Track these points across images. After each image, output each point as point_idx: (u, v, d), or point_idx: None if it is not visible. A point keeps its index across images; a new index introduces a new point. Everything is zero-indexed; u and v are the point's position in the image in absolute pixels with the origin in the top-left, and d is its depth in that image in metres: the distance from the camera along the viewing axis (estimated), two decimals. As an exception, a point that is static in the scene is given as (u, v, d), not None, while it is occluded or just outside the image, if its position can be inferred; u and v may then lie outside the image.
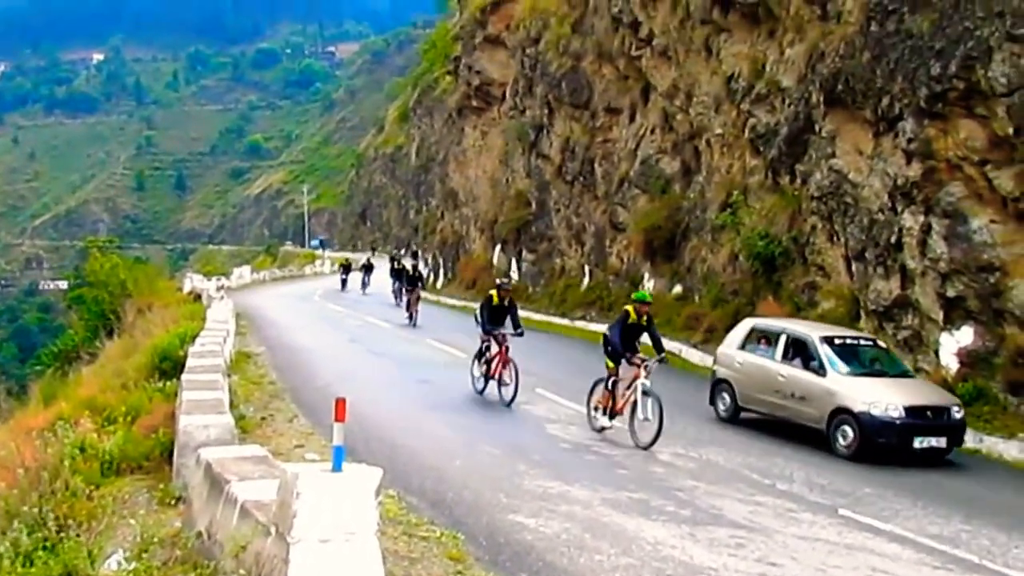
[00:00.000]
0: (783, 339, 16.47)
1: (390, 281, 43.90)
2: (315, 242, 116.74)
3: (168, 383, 15.53)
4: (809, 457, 14.56)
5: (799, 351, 16.10)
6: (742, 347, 17.51)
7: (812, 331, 16.55)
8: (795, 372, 15.88)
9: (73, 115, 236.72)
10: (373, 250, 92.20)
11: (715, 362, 18.32)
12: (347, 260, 62.11)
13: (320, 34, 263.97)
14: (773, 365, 16.36)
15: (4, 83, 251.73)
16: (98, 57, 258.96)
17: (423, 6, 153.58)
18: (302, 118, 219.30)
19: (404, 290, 37.31)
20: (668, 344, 25.91)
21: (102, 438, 12.35)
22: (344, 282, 55.47)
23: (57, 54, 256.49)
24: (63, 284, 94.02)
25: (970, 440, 15.70)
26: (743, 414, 17.07)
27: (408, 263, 43.01)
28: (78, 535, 8.35)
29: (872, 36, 18.84)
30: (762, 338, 17.20)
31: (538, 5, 40.93)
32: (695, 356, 24.49)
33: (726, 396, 17.42)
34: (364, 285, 53.00)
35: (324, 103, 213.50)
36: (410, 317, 33.58)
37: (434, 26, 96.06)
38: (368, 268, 54.88)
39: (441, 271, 54.19)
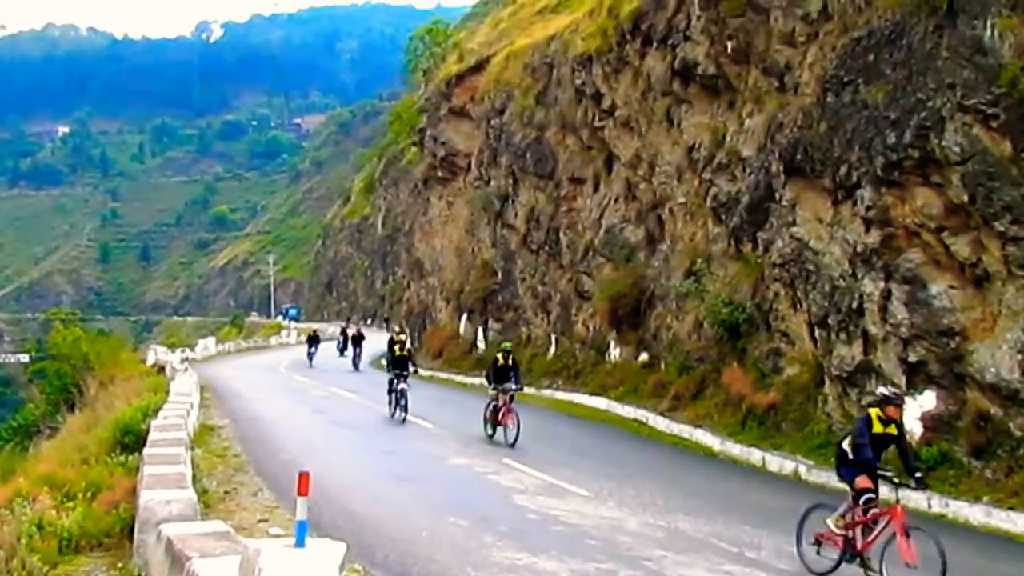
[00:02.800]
0: None
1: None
2: (292, 311, 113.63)
3: (130, 457, 15.29)
4: (777, 524, 14.51)
5: None
6: None
7: None
8: None
9: (38, 187, 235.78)
10: (366, 320, 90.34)
11: None
12: (314, 331, 54.14)
13: (286, 106, 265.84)
14: None
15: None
16: (63, 129, 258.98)
17: (388, 79, 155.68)
18: (268, 189, 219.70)
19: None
20: (634, 412, 26.22)
21: (61, 515, 12.08)
22: (311, 356, 48.71)
23: (22, 126, 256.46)
24: (24, 357, 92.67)
25: (936, 505, 15.76)
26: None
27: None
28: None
29: (828, 107, 19.27)
30: None
31: (502, 77, 41.56)
32: (661, 424, 24.50)
33: None
34: (356, 358, 45.76)
35: (290, 174, 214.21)
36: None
37: (399, 98, 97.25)
38: (358, 339, 46.79)
39: (407, 340, 53.98)
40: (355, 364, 44.82)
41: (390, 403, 25.24)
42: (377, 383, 39.14)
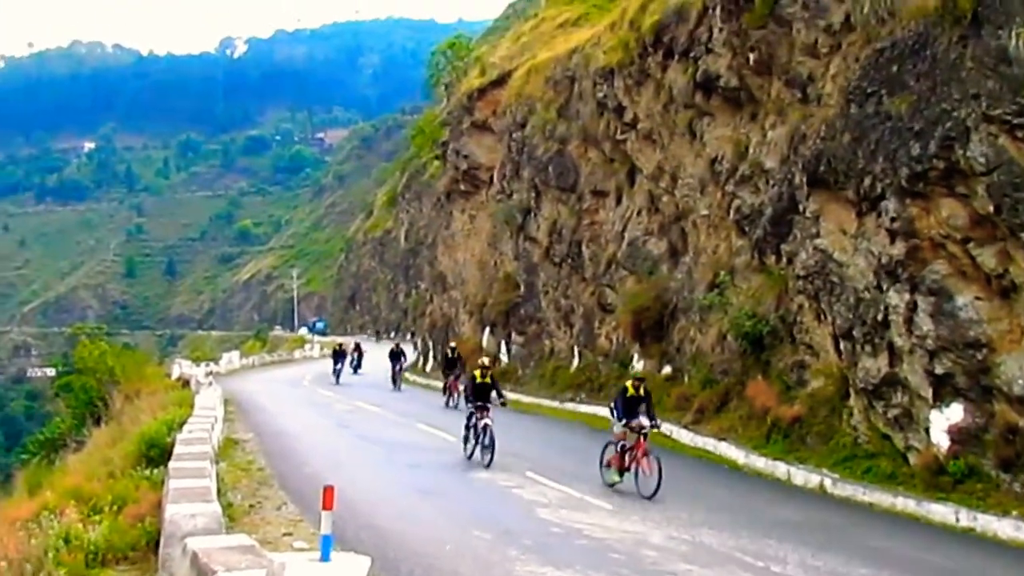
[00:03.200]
0: None
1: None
2: (319, 324, 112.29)
3: (155, 471, 15.37)
4: (803, 538, 14.42)
5: None
6: None
7: None
8: None
9: (64, 203, 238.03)
10: (389, 333, 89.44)
11: None
12: (339, 345, 50.98)
13: (309, 121, 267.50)
14: None
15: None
16: (89, 145, 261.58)
17: (410, 93, 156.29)
18: (292, 203, 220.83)
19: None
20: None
21: (87, 528, 12.16)
22: (338, 373, 46.60)
23: (48, 143, 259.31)
24: (51, 371, 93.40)
25: (964, 519, 15.61)
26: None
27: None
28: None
29: (852, 118, 19.19)
30: None
31: (524, 91, 41.63)
32: (685, 437, 24.38)
33: None
34: (396, 379, 43.11)
35: (313, 188, 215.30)
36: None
37: (421, 112, 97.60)
38: (398, 355, 44.12)
39: (430, 354, 54.08)
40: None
41: (466, 439, 21.13)
42: (403, 397, 39.29)
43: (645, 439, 17.73)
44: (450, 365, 35.70)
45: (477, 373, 21.63)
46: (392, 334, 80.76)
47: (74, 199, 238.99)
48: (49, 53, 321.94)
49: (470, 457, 20.68)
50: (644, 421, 17.88)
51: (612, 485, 17.82)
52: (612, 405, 18.74)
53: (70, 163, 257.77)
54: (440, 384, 39.26)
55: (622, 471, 17.91)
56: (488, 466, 19.55)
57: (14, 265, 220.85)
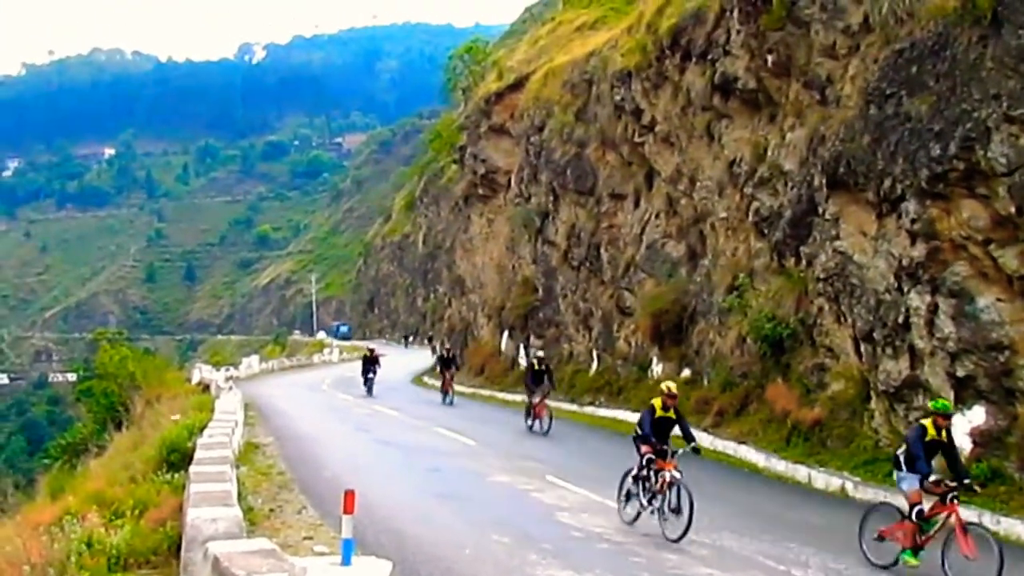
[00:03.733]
0: None
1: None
2: (343, 328, 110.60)
3: (176, 475, 15.45)
4: (824, 541, 14.34)
5: None
6: None
7: None
8: None
9: (84, 209, 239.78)
10: (407, 338, 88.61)
11: None
12: (371, 351, 43.11)
13: (327, 126, 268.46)
14: None
15: (17, 178, 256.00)
16: (109, 152, 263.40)
17: (428, 98, 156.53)
18: (310, 208, 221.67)
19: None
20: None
21: (109, 533, 12.23)
22: (370, 383, 40.69)
23: (69, 149, 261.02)
24: (72, 376, 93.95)
25: (988, 522, 15.47)
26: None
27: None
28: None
29: (871, 119, 19.10)
30: None
31: (541, 94, 41.63)
32: (705, 440, 24.27)
33: None
34: (446, 390, 37.49)
35: (332, 193, 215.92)
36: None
37: (439, 117, 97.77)
38: (450, 361, 39.39)
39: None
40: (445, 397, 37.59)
41: (628, 496, 15.38)
42: (419, 400, 39.33)
43: (955, 501, 12.38)
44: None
45: (658, 404, 15.22)
46: (427, 340, 79.17)
47: (95, 205, 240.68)
48: (69, 60, 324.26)
49: (633, 522, 15.05)
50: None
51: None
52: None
53: (91, 169, 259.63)
54: (459, 388, 39.39)
55: (916, 550, 12.58)
56: (678, 541, 13.74)
57: (36, 271, 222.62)
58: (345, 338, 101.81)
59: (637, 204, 33.58)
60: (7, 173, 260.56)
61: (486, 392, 41.33)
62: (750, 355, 24.84)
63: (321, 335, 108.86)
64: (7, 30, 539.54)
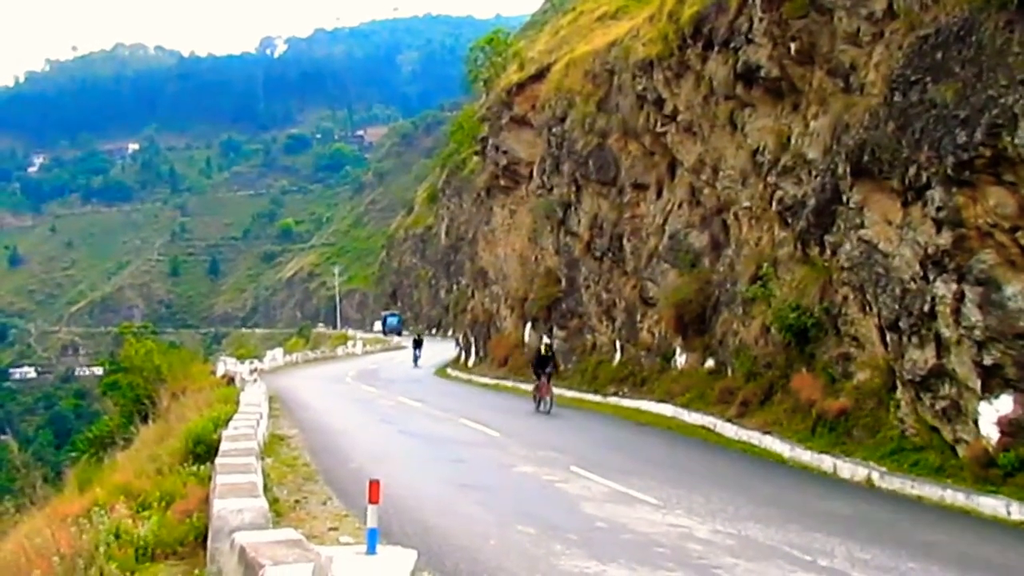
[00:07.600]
0: None
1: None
2: (392, 319, 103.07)
3: (202, 467, 15.54)
4: (850, 531, 14.28)
5: None
6: None
7: None
8: None
9: (109, 204, 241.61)
10: (431, 330, 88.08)
11: None
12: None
13: (349, 119, 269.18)
14: None
15: (43, 174, 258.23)
16: (133, 147, 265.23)
17: (449, 90, 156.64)
18: (332, 201, 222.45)
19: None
20: (701, 419, 26.01)
21: (137, 524, 12.33)
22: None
23: (94, 145, 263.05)
24: (98, 370, 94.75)
25: (1016, 512, 15.37)
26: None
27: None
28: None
29: (896, 106, 18.94)
30: None
31: (563, 85, 41.53)
32: (729, 431, 24.24)
33: None
34: (540, 400, 31.64)
35: (354, 186, 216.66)
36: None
37: (460, 108, 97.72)
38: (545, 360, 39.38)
39: (472, 349, 54.22)
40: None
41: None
42: (442, 392, 39.45)
43: None
44: (541, 364, 34.87)
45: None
46: (433, 331, 79.32)
47: (119, 200, 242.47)
48: (93, 56, 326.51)
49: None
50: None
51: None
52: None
53: (115, 164, 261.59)
54: (483, 379, 39.42)
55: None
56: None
57: (61, 266, 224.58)
58: (397, 331, 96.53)
59: (660, 194, 33.47)
60: (33, 169, 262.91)
61: (509, 383, 41.37)
62: (774, 345, 24.73)
63: (377, 326, 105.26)
64: (31, 26, 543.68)
